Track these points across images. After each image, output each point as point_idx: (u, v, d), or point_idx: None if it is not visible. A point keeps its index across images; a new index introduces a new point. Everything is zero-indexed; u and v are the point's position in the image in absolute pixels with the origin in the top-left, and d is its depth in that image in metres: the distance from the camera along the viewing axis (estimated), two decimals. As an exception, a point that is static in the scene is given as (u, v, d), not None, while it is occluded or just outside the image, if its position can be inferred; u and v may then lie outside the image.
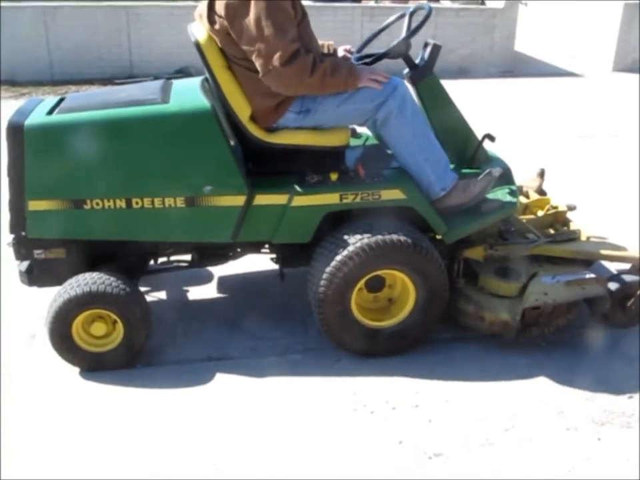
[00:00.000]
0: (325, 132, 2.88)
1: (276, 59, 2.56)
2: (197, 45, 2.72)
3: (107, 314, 2.80)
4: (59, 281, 2.85)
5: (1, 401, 2.69)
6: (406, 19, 3.10)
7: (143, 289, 3.34)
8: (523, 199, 3.53)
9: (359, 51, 3.19)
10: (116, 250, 2.97)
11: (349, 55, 3.16)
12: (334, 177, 2.84)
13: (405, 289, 2.94)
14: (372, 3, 10.89)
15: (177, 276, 3.48)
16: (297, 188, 2.80)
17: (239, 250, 3.21)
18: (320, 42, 3.04)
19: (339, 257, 2.74)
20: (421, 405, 2.70)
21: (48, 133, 2.67)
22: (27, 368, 2.91)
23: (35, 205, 2.72)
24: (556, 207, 3.43)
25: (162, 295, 3.54)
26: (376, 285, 2.96)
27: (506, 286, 2.98)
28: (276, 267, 3.27)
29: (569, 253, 3.15)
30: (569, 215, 3.44)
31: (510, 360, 2.98)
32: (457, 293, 3.02)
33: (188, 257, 3.27)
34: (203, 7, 2.75)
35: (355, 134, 3.33)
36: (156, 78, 5.96)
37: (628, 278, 3.13)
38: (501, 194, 3.13)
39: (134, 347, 2.86)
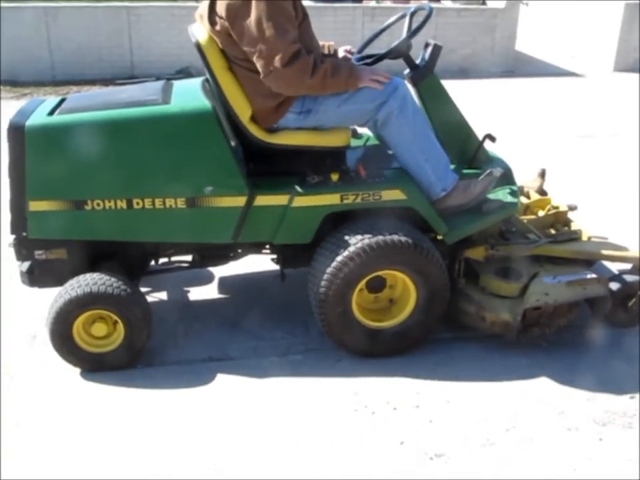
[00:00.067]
0: (325, 132, 2.88)
1: (277, 60, 2.56)
2: (198, 46, 2.72)
3: (108, 314, 2.80)
4: (59, 281, 2.85)
5: (2, 401, 2.69)
6: (407, 19, 3.10)
7: (143, 289, 3.35)
8: (523, 199, 3.53)
9: (360, 51, 3.19)
10: (117, 250, 2.97)
11: (349, 56, 3.16)
12: (335, 177, 2.84)
13: (405, 290, 2.93)
14: (373, 3, 10.89)
15: (177, 276, 3.48)
16: (298, 188, 2.80)
17: (239, 250, 3.21)
18: (320, 42, 3.04)
19: (339, 258, 2.74)
20: (422, 405, 2.70)
21: (49, 133, 2.68)
22: (27, 368, 2.91)
23: (35, 206, 2.72)
24: (557, 207, 3.43)
25: (163, 295, 3.54)
26: (377, 286, 2.96)
27: (507, 286, 2.98)
28: (277, 267, 3.27)
29: (570, 253, 3.15)
30: (570, 215, 3.44)
31: (511, 360, 2.97)
32: (457, 293, 3.02)
33: (189, 258, 3.27)
34: (203, 8, 2.75)
35: (355, 134, 3.33)
36: (157, 79, 5.96)
37: (629, 278, 3.13)
38: (501, 194, 3.13)
39: (135, 347, 2.86)
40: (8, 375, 2.86)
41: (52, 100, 2.96)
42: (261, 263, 3.55)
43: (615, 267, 3.45)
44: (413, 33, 2.94)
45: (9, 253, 2.97)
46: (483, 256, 3.11)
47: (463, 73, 9.38)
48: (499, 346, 3.03)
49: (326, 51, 3.13)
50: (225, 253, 3.20)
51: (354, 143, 3.21)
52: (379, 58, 2.99)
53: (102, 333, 2.83)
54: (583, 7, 11.29)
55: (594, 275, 3.04)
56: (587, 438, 2.53)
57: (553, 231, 3.34)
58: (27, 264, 2.90)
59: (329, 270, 2.75)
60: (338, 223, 2.88)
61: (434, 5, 9.51)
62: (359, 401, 2.72)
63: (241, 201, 2.76)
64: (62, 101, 2.92)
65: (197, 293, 3.57)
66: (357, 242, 2.75)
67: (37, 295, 3.13)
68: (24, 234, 2.79)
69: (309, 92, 2.73)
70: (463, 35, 9.71)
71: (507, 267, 3.07)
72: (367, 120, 2.91)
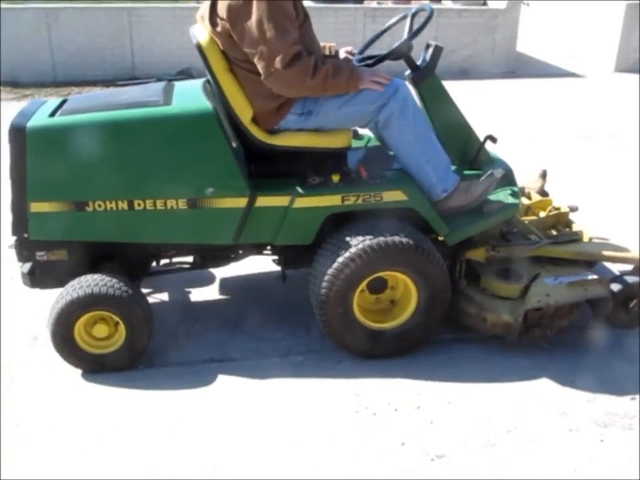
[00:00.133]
0: (326, 134, 2.88)
1: (278, 61, 2.56)
2: (199, 47, 2.73)
3: (109, 316, 2.80)
4: (61, 282, 2.86)
5: (3, 402, 2.69)
6: (408, 20, 3.10)
7: (145, 290, 3.35)
8: (525, 200, 3.52)
9: (361, 52, 3.19)
10: (118, 252, 2.97)
11: (350, 57, 3.16)
12: (336, 178, 2.84)
13: (406, 291, 2.93)
14: (374, 4, 10.89)
15: (179, 277, 3.48)
16: (299, 190, 2.80)
17: (240, 251, 3.21)
18: (322, 44, 3.05)
19: (340, 259, 2.74)
20: (423, 406, 2.70)
21: (50, 134, 2.68)
22: (28, 369, 2.91)
23: (37, 207, 2.72)
24: (558, 208, 3.43)
25: (164, 296, 3.54)
26: (378, 287, 2.96)
27: (508, 287, 2.98)
28: (278, 268, 3.27)
29: (571, 254, 3.15)
30: (571, 216, 3.43)
31: (512, 361, 2.97)
32: (458, 294, 3.02)
33: (190, 259, 3.27)
34: (204, 9, 2.75)
35: (356, 135, 3.33)
36: (158, 80, 5.96)
37: (630, 279, 3.13)
38: (503, 195, 3.13)
39: (136, 348, 2.86)
40: (9, 375, 2.87)
41: (53, 101, 2.96)
42: (262, 264, 3.55)
43: (616, 268, 3.45)
44: (414, 34, 2.94)
45: (10, 254, 2.97)
46: (484, 257, 3.11)
47: (464, 73, 9.38)
48: (500, 347, 3.03)
49: (327, 52, 3.13)
50: (226, 254, 3.20)
51: (355, 144, 3.21)
52: (380, 59, 2.99)
53: (103, 334, 2.83)
54: (583, 7, 11.28)
55: (595, 276, 3.04)
56: (588, 439, 2.53)
57: (554, 232, 3.33)
58: (28, 265, 2.91)
59: (330, 271, 2.75)
60: (339, 224, 2.88)
61: (435, 5, 9.50)
62: (360, 402, 2.72)
63: (242, 202, 2.76)
64: (63, 102, 2.93)
65: (198, 294, 3.57)
66: (358, 243, 2.75)
67: (38, 296, 3.13)
68: (25, 235, 2.80)
69: (310, 93, 2.73)
70: (464, 35, 9.71)
71: (508, 268, 3.07)
72: (368, 121, 2.91)
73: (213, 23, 2.69)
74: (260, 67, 2.62)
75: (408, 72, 3.10)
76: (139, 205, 2.73)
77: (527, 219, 3.39)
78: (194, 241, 2.99)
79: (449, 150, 3.04)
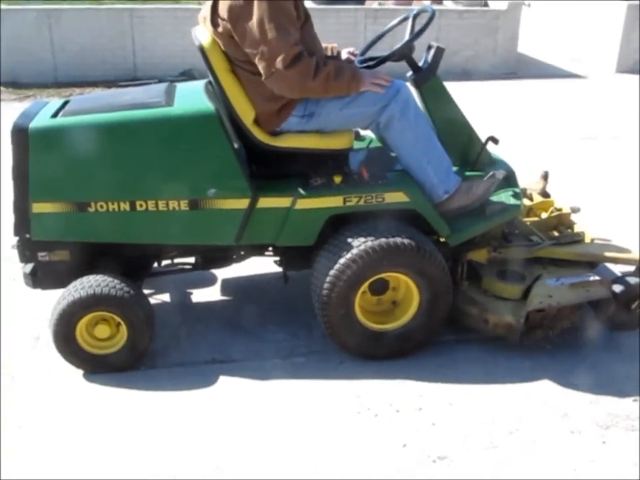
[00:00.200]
0: (328, 135, 2.88)
1: (279, 62, 2.56)
2: (201, 49, 2.73)
3: (111, 316, 2.80)
4: (62, 283, 2.86)
5: (4, 402, 2.69)
6: (409, 21, 3.10)
7: (146, 291, 3.35)
8: (526, 201, 3.52)
9: (363, 53, 3.19)
10: (119, 252, 2.97)
11: (352, 58, 3.16)
12: (337, 180, 2.84)
13: (408, 292, 2.93)
14: (375, 5, 10.90)
15: (180, 278, 3.48)
16: (301, 191, 2.80)
17: (242, 252, 3.21)
18: (323, 44, 3.05)
19: (342, 260, 2.74)
20: (425, 407, 2.70)
21: (52, 135, 2.68)
22: (30, 370, 2.91)
23: (39, 208, 2.73)
24: (560, 209, 3.43)
25: (165, 297, 3.54)
26: (379, 288, 2.95)
27: (510, 288, 2.98)
28: (279, 269, 3.27)
29: (573, 255, 3.15)
30: (573, 217, 3.43)
31: (514, 362, 2.97)
32: (460, 296, 3.02)
33: (192, 260, 3.28)
34: (206, 10, 2.75)
35: (358, 136, 3.34)
36: (159, 81, 5.97)
37: (632, 280, 3.13)
38: (504, 196, 3.13)
39: (137, 349, 2.86)
40: (11, 376, 2.87)
41: (55, 102, 2.96)
42: (264, 265, 3.55)
43: (618, 269, 3.45)
44: (415, 36, 2.94)
45: (12, 254, 2.97)
46: (486, 258, 3.11)
47: (465, 74, 9.37)
48: (502, 348, 3.03)
49: (329, 53, 3.13)
50: (227, 255, 3.20)
51: (357, 145, 3.21)
52: (381, 60, 2.99)
53: (105, 334, 2.83)
54: (584, 8, 11.28)
55: (597, 277, 3.04)
56: (590, 441, 2.53)
57: (555, 233, 3.33)
58: (30, 266, 2.91)
59: (331, 272, 2.75)
60: (341, 225, 2.88)
61: (436, 7, 9.51)
62: (361, 403, 2.72)
63: (244, 203, 2.76)
64: (65, 103, 2.93)
65: (200, 295, 3.57)
66: (359, 244, 2.75)
67: (40, 296, 3.13)
68: (27, 236, 2.80)
69: (311, 94, 2.73)
70: (465, 36, 9.71)
71: (509, 269, 3.06)
72: (370, 123, 2.91)
73: (214, 24, 2.69)
74: (261, 67, 2.62)
75: (410, 73, 3.10)
76: (140, 205, 2.74)
77: (528, 220, 3.39)
78: (196, 242, 2.99)
79: (450, 151, 3.04)
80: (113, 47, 8.86)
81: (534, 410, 2.69)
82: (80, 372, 2.88)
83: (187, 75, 8.43)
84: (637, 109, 7.49)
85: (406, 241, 2.75)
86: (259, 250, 3.18)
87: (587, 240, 3.26)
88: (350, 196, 2.81)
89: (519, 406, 2.71)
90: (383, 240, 2.74)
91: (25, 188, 2.70)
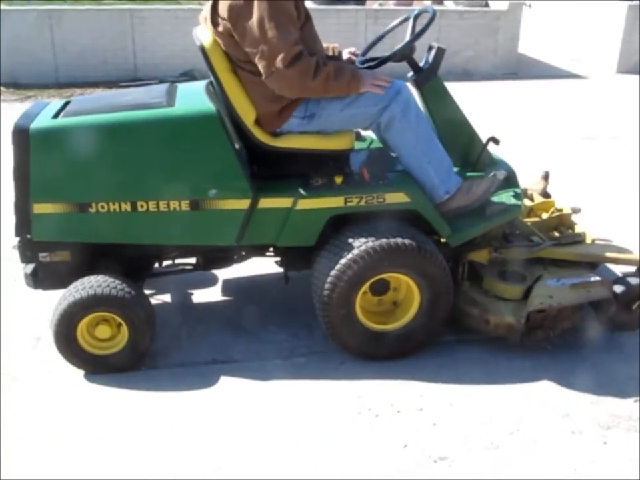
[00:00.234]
0: (329, 136, 2.88)
1: (279, 61, 2.56)
2: (202, 49, 2.73)
3: (112, 317, 2.81)
4: (64, 283, 2.86)
5: (5, 402, 2.69)
6: (410, 22, 3.10)
7: (147, 291, 3.35)
8: (527, 202, 3.53)
9: (364, 54, 3.19)
10: (120, 253, 2.98)
11: (353, 58, 3.16)
12: (338, 180, 2.84)
13: (409, 292, 2.93)
14: (376, 6, 10.90)
15: (181, 279, 3.48)
16: (302, 191, 2.80)
17: (243, 253, 3.21)
18: (325, 44, 3.05)
19: (343, 260, 2.74)
20: (426, 408, 2.70)
21: (54, 136, 2.68)
22: (31, 370, 2.91)
23: (40, 208, 2.73)
24: (560, 210, 3.43)
25: (166, 297, 3.55)
26: (380, 288, 2.96)
27: (511, 289, 2.98)
28: (280, 269, 3.27)
29: (573, 255, 3.15)
30: (574, 217, 3.44)
31: (515, 363, 2.97)
32: (461, 296, 3.02)
33: (192, 260, 3.28)
34: (207, 10, 2.75)
35: (359, 137, 3.34)
36: (160, 81, 5.97)
37: (633, 280, 3.12)
38: (505, 197, 3.13)
39: (138, 349, 2.87)
40: (12, 376, 2.87)
41: (56, 103, 2.96)
42: (265, 265, 3.55)
43: (618, 270, 3.45)
44: (416, 36, 2.94)
45: (13, 255, 2.97)
46: (487, 258, 3.11)
47: (466, 75, 9.38)
48: (503, 349, 3.03)
49: (330, 53, 3.13)
50: (228, 256, 3.21)
51: (358, 145, 3.22)
52: (382, 61, 2.99)
53: (106, 335, 2.83)
54: (585, 8, 11.27)
55: (598, 278, 3.04)
56: (590, 441, 2.53)
57: (556, 234, 3.34)
58: (31, 266, 2.91)
59: (332, 272, 2.76)
60: (341, 225, 2.88)
61: (437, 7, 9.51)
62: (362, 404, 2.72)
63: (245, 203, 2.76)
64: (66, 103, 2.93)
65: (201, 296, 3.57)
66: (360, 244, 2.75)
67: (41, 297, 3.13)
68: (28, 236, 2.80)
69: (310, 94, 2.73)
70: (466, 37, 9.71)
71: (510, 269, 3.06)
72: (370, 123, 2.91)
73: (215, 23, 2.69)
74: (261, 66, 2.62)
75: (410, 74, 3.10)
76: (141, 206, 2.74)
77: (529, 220, 3.39)
78: (196, 243, 2.99)
79: (451, 152, 3.04)
80: (113, 47, 8.87)
81: (535, 410, 2.69)
82: (81, 372, 2.88)
83: (188, 76, 8.44)
84: (638, 109, 7.49)
85: (407, 241, 2.76)
86: (259, 250, 3.18)
87: (588, 240, 3.26)
88: (351, 196, 2.81)
89: (520, 406, 2.71)
90: (384, 240, 2.74)
91: (26, 188, 2.70)
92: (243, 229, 2.81)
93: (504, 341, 2.99)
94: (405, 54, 2.99)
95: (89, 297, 2.71)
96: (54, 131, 2.68)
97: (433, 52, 3.08)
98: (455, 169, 3.08)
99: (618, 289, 3.10)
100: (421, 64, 3.10)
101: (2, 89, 8.21)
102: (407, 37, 2.99)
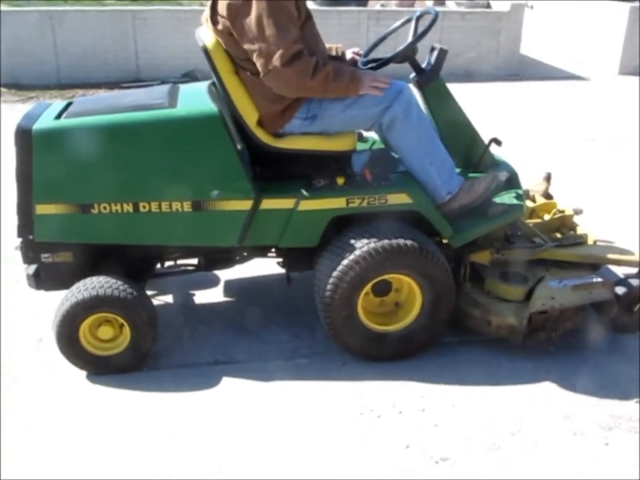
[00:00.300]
0: (331, 136, 2.88)
1: (276, 59, 2.55)
2: (205, 50, 2.73)
3: (114, 317, 2.81)
4: (66, 284, 2.86)
5: (7, 403, 2.70)
6: (412, 23, 3.10)
7: (149, 292, 3.35)
8: (529, 203, 3.52)
9: (366, 55, 3.19)
10: (123, 254, 2.98)
11: (357, 58, 3.16)
12: (340, 181, 2.84)
13: (411, 293, 2.93)
14: (378, 7, 10.91)
15: (183, 280, 3.48)
16: (304, 192, 2.80)
17: (245, 254, 3.21)
18: (328, 45, 3.05)
19: (345, 261, 2.74)
20: (428, 409, 2.70)
21: (56, 137, 2.69)
22: (33, 371, 2.92)
23: (42, 209, 2.73)
24: (562, 211, 3.43)
25: (168, 298, 3.55)
26: (382, 289, 2.96)
27: (512, 290, 2.98)
28: (282, 270, 3.28)
29: (575, 257, 3.15)
30: (576, 218, 3.43)
31: (517, 364, 2.97)
32: (463, 297, 3.02)
33: (194, 261, 3.28)
34: (208, 10, 2.75)
35: (361, 138, 3.34)
36: (163, 82, 5.97)
37: (635, 282, 3.12)
38: (507, 198, 3.13)
39: (140, 350, 2.87)
40: (14, 377, 2.87)
41: (58, 104, 2.97)
42: (267, 266, 3.55)
43: (620, 271, 3.45)
44: (418, 37, 2.94)
45: (16, 255, 2.98)
46: (489, 260, 3.11)
47: (468, 76, 9.38)
48: (505, 350, 3.03)
49: (333, 53, 3.13)
50: (230, 257, 3.21)
51: (360, 146, 3.21)
52: (384, 62, 2.99)
53: (108, 335, 2.84)
54: (587, 9, 11.27)
55: (600, 279, 3.04)
56: (592, 442, 2.53)
57: (558, 235, 3.33)
58: (33, 267, 2.92)
59: (334, 273, 2.76)
60: (343, 226, 2.88)
61: (439, 8, 9.51)
62: (364, 405, 2.72)
63: (247, 204, 2.76)
64: (68, 104, 2.93)
65: (203, 296, 3.57)
66: (362, 245, 2.75)
67: (43, 297, 3.14)
68: (30, 237, 2.80)
69: (309, 94, 2.72)
70: (468, 38, 9.71)
71: (512, 270, 3.06)
72: (372, 124, 2.91)
73: (214, 21, 2.69)
74: (259, 64, 2.61)
75: (413, 75, 3.10)
76: (144, 207, 2.74)
77: (531, 221, 3.39)
78: (199, 243, 2.99)
79: (453, 153, 3.04)
80: (115, 48, 8.87)
81: (536, 411, 2.69)
82: (83, 373, 2.89)
83: (190, 77, 8.45)
84: (639, 110, 7.48)
85: (409, 242, 2.76)
86: (261, 251, 3.19)
87: (590, 242, 3.26)
88: (353, 197, 2.82)
89: (522, 407, 2.71)
90: (386, 241, 2.74)
91: (29, 189, 2.71)
92: (245, 230, 2.81)
93: (506, 342, 2.99)
94: (407, 55, 2.99)
95: (91, 298, 2.72)
96: (56, 132, 2.68)
97: (435, 53, 3.08)
98: (457, 170, 3.08)
99: (620, 290, 3.09)
100: (423, 65, 3.10)
101: (3, 90, 8.22)
102: (409, 38, 3.00)
